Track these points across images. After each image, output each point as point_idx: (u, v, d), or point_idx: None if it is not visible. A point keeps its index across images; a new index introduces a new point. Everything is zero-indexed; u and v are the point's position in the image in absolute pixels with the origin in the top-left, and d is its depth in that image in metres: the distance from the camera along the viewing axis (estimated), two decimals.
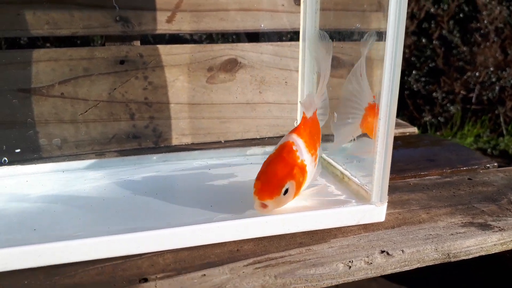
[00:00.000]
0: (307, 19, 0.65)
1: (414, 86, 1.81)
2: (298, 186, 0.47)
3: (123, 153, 0.73)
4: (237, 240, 0.44)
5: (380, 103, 0.45)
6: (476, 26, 1.76)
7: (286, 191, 0.45)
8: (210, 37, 1.29)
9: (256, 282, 0.38)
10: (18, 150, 0.67)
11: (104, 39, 0.73)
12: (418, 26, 1.82)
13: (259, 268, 0.40)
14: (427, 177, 0.64)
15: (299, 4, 0.73)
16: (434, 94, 1.81)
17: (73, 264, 0.40)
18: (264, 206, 0.44)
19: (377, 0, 0.56)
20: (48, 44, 1.16)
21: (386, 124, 0.46)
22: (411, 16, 1.80)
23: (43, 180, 0.57)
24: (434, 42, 1.79)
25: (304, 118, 0.51)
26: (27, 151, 0.68)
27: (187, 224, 0.43)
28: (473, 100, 1.81)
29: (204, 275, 0.39)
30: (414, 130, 0.92)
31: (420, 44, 1.82)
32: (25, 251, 0.39)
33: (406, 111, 1.86)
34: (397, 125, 0.94)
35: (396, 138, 0.87)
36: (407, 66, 1.84)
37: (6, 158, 0.64)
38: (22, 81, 0.67)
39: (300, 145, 0.48)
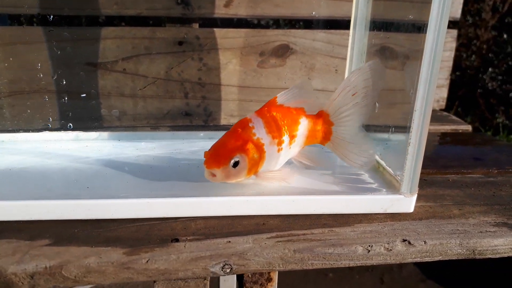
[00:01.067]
0: (359, 9, 0.65)
1: (489, 84, 1.69)
2: (254, 163, 0.47)
3: (175, 128, 0.78)
4: (265, 215, 0.47)
5: (416, 95, 0.45)
6: None
7: (236, 164, 0.46)
8: (265, 23, 1.30)
9: (276, 254, 0.41)
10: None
11: (166, 20, 0.78)
12: (500, 20, 1.70)
13: (280, 241, 0.43)
14: (468, 175, 0.63)
15: None
16: (511, 94, 1.69)
17: (116, 220, 0.45)
18: (213, 175, 0.46)
19: None
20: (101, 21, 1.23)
21: (421, 116, 0.46)
22: (492, 9, 1.68)
23: (101, 146, 0.64)
24: None
25: (272, 101, 0.51)
26: (89, 119, 0.76)
27: (219, 195, 0.47)
28: None
29: (229, 241, 0.42)
30: (468, 127, 0.89)
31: (501, 40, 1.70)
32: (78, 205, 0.44)
33: (477, 111, 1.74)
34: (450, 121, 0.92)
35: (446, 135, 0.84)
36: (483, 63, 1.71)
37: (71, 124, 0.71)
38: (90, 56, 0.74)
39: (258, 123, 0.49)
